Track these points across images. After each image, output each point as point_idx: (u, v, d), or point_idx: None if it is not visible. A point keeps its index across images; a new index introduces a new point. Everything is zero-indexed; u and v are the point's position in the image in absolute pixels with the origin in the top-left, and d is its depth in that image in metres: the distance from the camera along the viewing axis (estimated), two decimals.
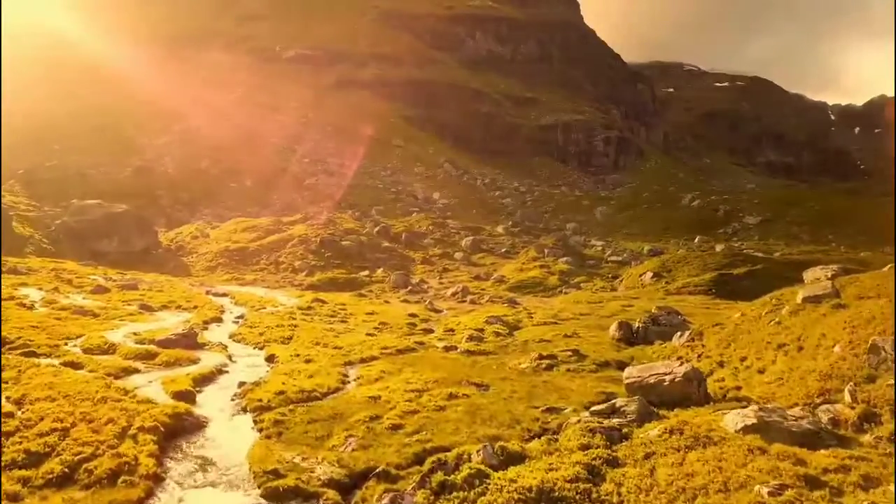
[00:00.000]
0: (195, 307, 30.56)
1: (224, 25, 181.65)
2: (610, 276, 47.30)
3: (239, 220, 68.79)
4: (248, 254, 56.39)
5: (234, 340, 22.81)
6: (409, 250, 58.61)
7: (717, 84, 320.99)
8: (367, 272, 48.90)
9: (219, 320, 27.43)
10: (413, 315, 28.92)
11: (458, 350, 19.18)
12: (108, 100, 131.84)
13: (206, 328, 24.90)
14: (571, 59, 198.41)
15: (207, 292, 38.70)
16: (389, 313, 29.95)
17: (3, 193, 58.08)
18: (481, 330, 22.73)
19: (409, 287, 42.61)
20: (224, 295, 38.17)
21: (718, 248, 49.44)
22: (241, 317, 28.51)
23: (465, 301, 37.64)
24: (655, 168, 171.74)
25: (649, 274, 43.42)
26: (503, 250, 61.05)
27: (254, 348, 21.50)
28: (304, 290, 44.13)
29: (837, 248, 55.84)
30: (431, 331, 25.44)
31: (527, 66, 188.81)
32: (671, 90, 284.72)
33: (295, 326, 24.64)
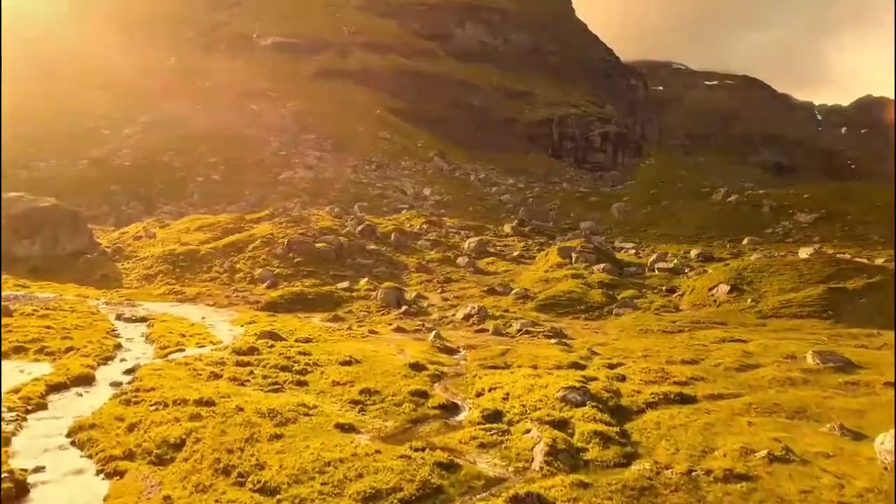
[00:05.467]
0: (69, 350, 19.16)
1: (198, 11, 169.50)
2: (663, 288, 36.33)
3: (193, 218, 57.19)
4: (197, 259, 44.82)
5: (73, 445, 11.48)
6: (400, 254, 47.30)
7: (707, 83, 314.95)
8: (346, 283, 37.53)
9: (87, 381, 16.01)
10: (416, 366, 17.66)
11: None
12: (69, 88, 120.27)
13: (41, 406, 13.51)
14: (564, 52, 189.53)
15: (119, 317, 27.26)
16: (378, 360, 18.66)
17: None
18: (564, 424, 11.51)
19: (404, 307, 31.29)
20: (141, 320, 26.78)
21: (804, 252, 38.73)
22: (132, 371, 17.13)
23: (484, 329, 26.44)
24: (655, 165, 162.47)
25: (724, 287, 32.50)
26: (515, 254, 49.93)
27: (96, 473, 10.19)
28: (260, 309, 32.73)
29: None
30: (456, 408, 14.22)
31: (519, 58, 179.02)
32: (660, 88, 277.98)
33: (207, 406, 13.29)
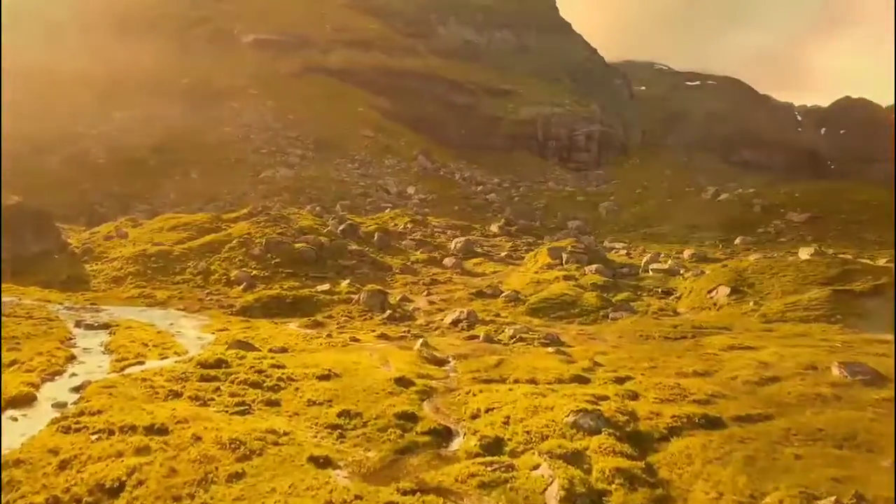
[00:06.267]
0: (13, 364, 17.12)
1: (177, 7, 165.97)
2: (659, 290, 34.81)
3: (168, 217, 54.83)
4: (171, 260, 42.60)
5: None
6: (383, 255, 45.42)
7: (689, 83, 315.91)
8: (327, 286, 35.57)
9: (27, 402, 13.98)
10: (402, 381, 15.88)
11: None
12: (42, 84, 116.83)
13: None
14: (548, 51, 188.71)
15: (78, 323, 25.13)
16: (360, 374, 16.85)
17: None
18: (578, 458, 9.76)
19: (388, 311, 29.45)
20: (104, 327, 24.68)
21: (804, 253, 37.40)
22: (81, 388, 15.17)
23: (475, 336, 24.67)
24: (639, 165, 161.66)
25: (724, 290, 31.06)
26: (503, 254, 48.28)
27: None
28: (234, 313, 30.74)
29: None
30: (449, 433, 12.45)
31: (503, 57, 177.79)
32: (643, 89, 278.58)
33: (160, 434, 11.40)
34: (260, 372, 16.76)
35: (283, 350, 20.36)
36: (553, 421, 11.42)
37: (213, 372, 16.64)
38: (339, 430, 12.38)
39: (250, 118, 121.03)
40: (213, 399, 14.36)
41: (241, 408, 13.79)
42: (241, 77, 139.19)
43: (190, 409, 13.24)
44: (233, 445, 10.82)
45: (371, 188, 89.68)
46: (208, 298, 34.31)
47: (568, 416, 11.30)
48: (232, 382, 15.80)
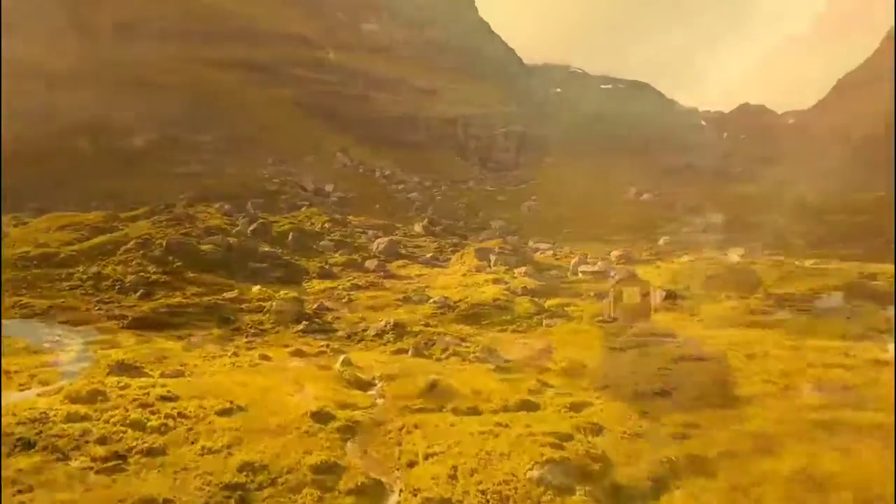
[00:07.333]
0: None
1: None
2: (592, 294, 33.35)
3: (57, 215, 49.49)
4: (57, 263, 37.86)
5: None
6: (299, 257, 42.15)
7: (603, 86, 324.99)
8: (235, 292, 32.10)
9: None
10: (320, 415, 13.25)
11: None
12: None
13: None
14: (470, 51, 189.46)
15: None
16: (269, 405, 14.10)
17: None
18: None
19: (304, 322, 26.46)
20: None
21: (734, 254, 36.91)
22: None
23: (403, 349, 22.22)
24: (557, 165, 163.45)
25: (658, 293, 29.82)
26: (428, 256, 45.98)
27: None
28: (126, 326, 26.85)
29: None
30: (382, 490, 9.98)
31: (426, 55, 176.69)
32: (559, 90, 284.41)
33: None
34: (145, 406, 13.70)
35: (179, 374, 17.22)
36: (513, 475, 9.13)
37: (83, 409, 13.42)
38: (240, 493, 9.65)
39: (160, 110, 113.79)
40: (76, 449, 11.26)
41: (113, 462, 10.79)
42: (150, 67, 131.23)
43: (38, 471, 10.16)
44: None
45: (286, 185, 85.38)
46: (98, 310, 30.16)
47: (532, 468, 9.02)
48: (107, 422, 12.69)
